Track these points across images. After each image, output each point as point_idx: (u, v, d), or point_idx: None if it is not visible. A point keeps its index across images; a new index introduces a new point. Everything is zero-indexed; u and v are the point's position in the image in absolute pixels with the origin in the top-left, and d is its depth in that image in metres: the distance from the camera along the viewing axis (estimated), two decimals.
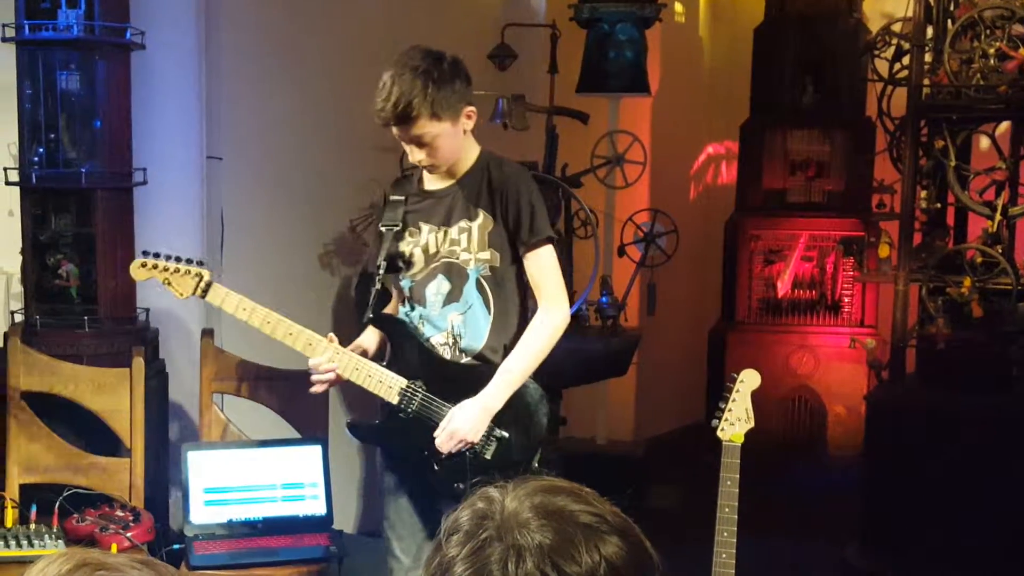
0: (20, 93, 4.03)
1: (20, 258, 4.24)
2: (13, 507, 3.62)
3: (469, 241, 3.13)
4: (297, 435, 4.03)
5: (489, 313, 3.14)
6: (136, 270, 3.17)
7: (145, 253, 3.18)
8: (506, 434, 3.10)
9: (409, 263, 3.21)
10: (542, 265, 3.12)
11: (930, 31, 4.76)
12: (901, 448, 4.63)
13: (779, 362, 5.97)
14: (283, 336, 3.14)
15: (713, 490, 2.86)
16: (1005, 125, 5.00)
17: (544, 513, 1.20)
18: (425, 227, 3.19)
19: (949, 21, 4.70)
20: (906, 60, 5.05)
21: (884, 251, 5.48)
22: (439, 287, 3.17)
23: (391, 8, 5.23)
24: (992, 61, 4.51)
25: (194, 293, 3.16)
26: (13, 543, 3.47)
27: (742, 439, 2.87)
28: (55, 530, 3.53)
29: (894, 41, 5.28)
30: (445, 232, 3.16)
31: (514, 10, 5.79)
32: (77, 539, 3.49)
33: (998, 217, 4.60)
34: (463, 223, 3.14)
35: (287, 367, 4.15)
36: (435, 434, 3.07)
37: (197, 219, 4.62)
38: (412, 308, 3.23)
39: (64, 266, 4.06)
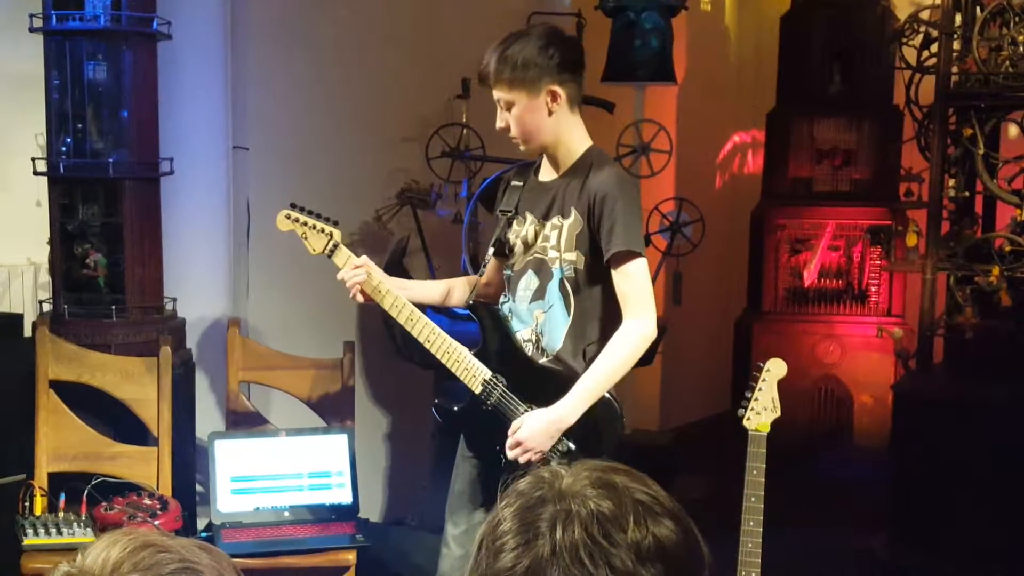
0: (48, 83, 4.05)
1: (48, 248, 4.26)
2: (42, 495, 3.65)
3: (559, 239, 3.08)
4: (323, 424, 4.04)
5: (568, 315, 3.09)
6: (281, 221, 3.19)
7: (292, 206, 3.19)
8: (572, 446, 3.02)
9: (512, 252, 3.19)
10: (630, 279, 3.01)
11: (958, 18, 4.72)
12: (928, 438, 4.61)
13: (805, 352, 5.94)
14: (390, 306, 3.12)
15: (739, 479, 2.86)
16: None
17: (601, 484, 1.22)
18: (530, 217, 3.15)
19: (978, 8, 4.66)
20: (934, 48, 5.01)
21: (912, 240, 5.45)
22: (528, 282, 3.14)
23: None
24: (1021, 48, 4.47)
25: (323, 251, 3.17)
26: (43, 531, 3.50)
27: (768, 428, 2.86)
28: (84, 518, 3.56)
29: (922, 29, 5.24)
30: (542, 226, 3.12)
31: None
32: (105, 527, 3.51)
33: None
34: (556, 220, 3.09)
35: (314, 356, 4.16)
36: (508, 436, 3.02)
37: (223, 209, 4.64)
38: (506, 299, 3.21)
39: (92, 256, 4.09)
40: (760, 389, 2.89)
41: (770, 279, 6.12)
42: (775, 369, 2.91)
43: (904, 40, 5.36)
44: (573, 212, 3.06)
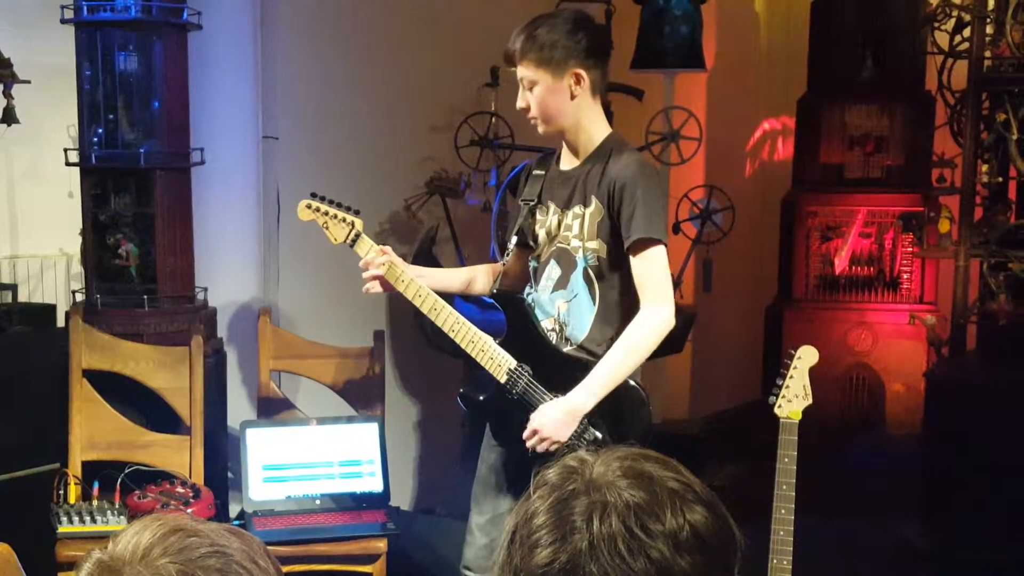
0: (79, 74, 4.08)
1: (80, 238, 4.30)
2: (76, 484, 3.68)
3: (580, 228, 3.06)
4: (354, 413, 4.06)
5: (594, 304, 3.07)
6: (302, 210, 3.17)
7: (313, 195, 3.17)
8: (600, 435, 3.02)
9: (536, 242, 3.18)
10: (648, 266, 2.98)
11: (991, 2, 4.67)
12: (961, 426, 4.57)
13: (837, 339, 5.90)
14: (413, 296, 3.11)
15: (770, 468, 2.85)
16: None
17: (633, 474, 1.22)
18: (552, 207, 3.14)
19: None
20: (967, 32, 4.96)
21: (944, 226, 5.39)
22: (551, 272, 3.12)
23: None
24: None
25: (344, 241, 3.15)
26: (77, 519, 3.53)
27: (800, 416, 2.85)
28: (117, 506, 3.59)
29: (955, 13, 5.19)
30: (564, 215, 3.10)
31: None
32: (138, 515, 3.53)
33: None
34: (578, 209, 3.07)
35: (344, 345, 4.18)
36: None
37: (254, 198, 4.66)
38: (531, 290, 3.19)
39: (124, 246, 4.12)
40: (791, 377, 2.88)
41: (801, 266, 6.08)
42: (806, 357, 2.90)
43: (936, 24, 5.31)
44: (594, 200, 3.04)
